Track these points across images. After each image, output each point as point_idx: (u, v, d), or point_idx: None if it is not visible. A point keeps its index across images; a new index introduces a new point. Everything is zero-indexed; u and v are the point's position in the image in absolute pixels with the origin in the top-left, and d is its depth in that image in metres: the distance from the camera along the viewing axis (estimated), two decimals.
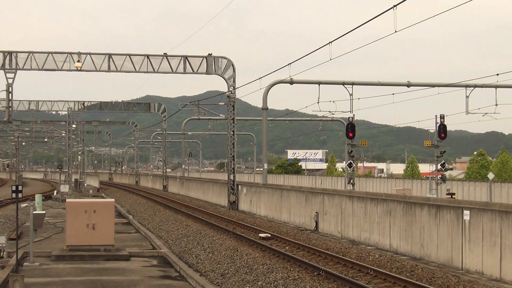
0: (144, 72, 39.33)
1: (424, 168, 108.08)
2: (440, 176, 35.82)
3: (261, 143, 42.14)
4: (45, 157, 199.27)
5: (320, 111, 39.93)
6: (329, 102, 39.56)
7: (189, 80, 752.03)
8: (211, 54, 40.08)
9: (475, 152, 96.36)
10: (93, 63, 38.40)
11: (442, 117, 34.74)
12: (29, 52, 37.91)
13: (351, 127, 31.63)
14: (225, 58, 40.35)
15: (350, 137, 31.65)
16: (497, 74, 34.57)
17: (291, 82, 37.66)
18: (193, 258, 19.09)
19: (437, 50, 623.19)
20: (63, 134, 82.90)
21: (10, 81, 36.80)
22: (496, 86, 38.74)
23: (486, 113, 39.19)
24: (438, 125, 34.96)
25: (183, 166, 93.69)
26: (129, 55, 39.13)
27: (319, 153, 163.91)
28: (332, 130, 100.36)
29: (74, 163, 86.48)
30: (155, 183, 76.92)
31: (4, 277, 15.33)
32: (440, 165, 35.76)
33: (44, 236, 24.90)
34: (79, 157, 73.33)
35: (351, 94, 37.33)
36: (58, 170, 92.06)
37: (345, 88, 37.78)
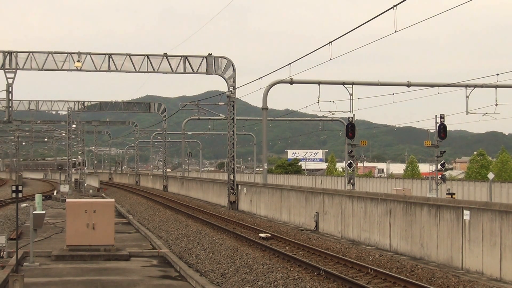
0: (144, 72, 39.35)
1: (424, 168, 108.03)
2: (440, 176, 35.80)
3: (261, 143, 42.14)
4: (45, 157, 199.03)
5: (320, 111, 39.95)
6: (329, 102, 39.55)
7: (189, 80, 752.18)
8: (211, 54, 40.08)
9: (475, 152, 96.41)
10: (93, 63, 38.41)
11: (442, 117, 34.73)
12: (29, 52, 37.92)
13: (351, 127, 31.61)
14: (225, 58, 40.35)
15: (350, 137, 31.63)
16: (497, 74, 34.62)
17: (291, 82, 37.66)
18: (193, 258, 19.09)
19: (437, 50, 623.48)
20: (63, 134, 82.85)
21: (10, 81, 36.84)
22: (496, 86, 38.75)
23: (486, 113, 39.24)
24: (438, 125, 34.94)
25: (183, 166, 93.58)
26: (129, 55, 39.14)
27: (319, 153, 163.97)
28: (332, 130, 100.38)
29: None
30: (155, 183, 76.92)
31: (4, 277, 15.34)
32: (440, 165, 35.74)
33: (44, 236, 24.91)
34: (79, 157, 73.28)
35: (351, 94, 37.34)
36: (58, 170, 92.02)
37: (345, 88, 37.79)
